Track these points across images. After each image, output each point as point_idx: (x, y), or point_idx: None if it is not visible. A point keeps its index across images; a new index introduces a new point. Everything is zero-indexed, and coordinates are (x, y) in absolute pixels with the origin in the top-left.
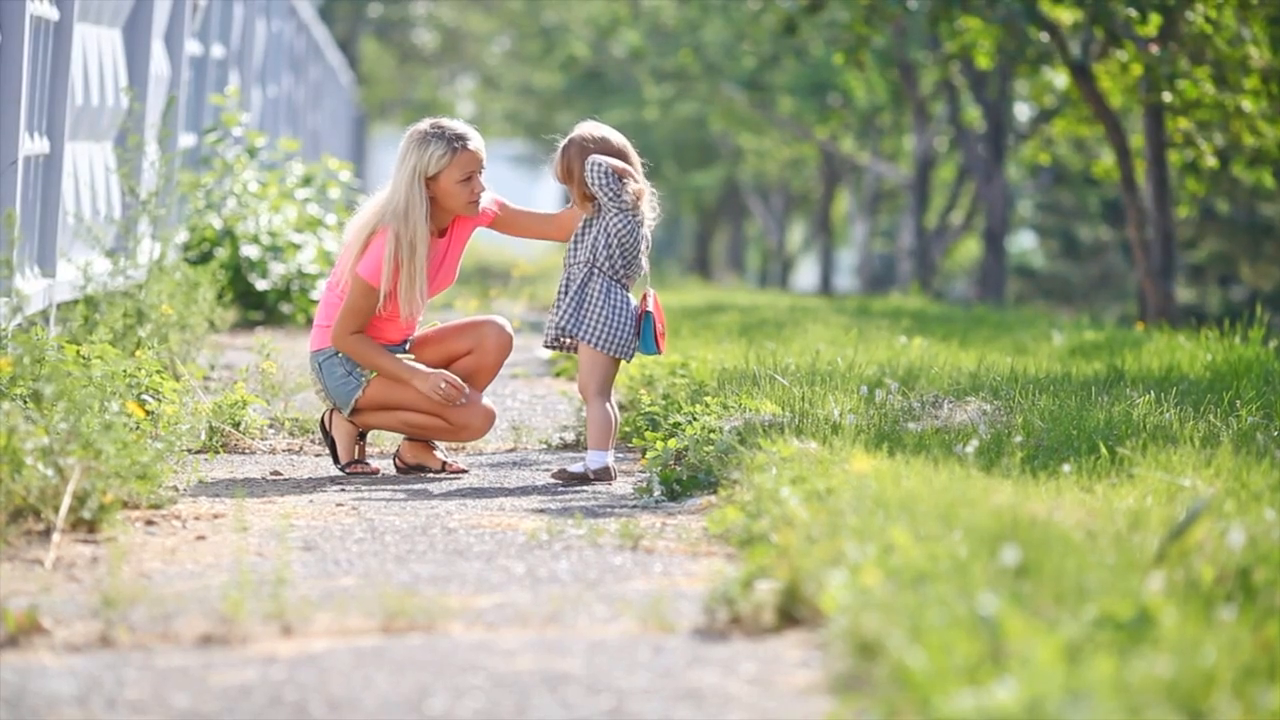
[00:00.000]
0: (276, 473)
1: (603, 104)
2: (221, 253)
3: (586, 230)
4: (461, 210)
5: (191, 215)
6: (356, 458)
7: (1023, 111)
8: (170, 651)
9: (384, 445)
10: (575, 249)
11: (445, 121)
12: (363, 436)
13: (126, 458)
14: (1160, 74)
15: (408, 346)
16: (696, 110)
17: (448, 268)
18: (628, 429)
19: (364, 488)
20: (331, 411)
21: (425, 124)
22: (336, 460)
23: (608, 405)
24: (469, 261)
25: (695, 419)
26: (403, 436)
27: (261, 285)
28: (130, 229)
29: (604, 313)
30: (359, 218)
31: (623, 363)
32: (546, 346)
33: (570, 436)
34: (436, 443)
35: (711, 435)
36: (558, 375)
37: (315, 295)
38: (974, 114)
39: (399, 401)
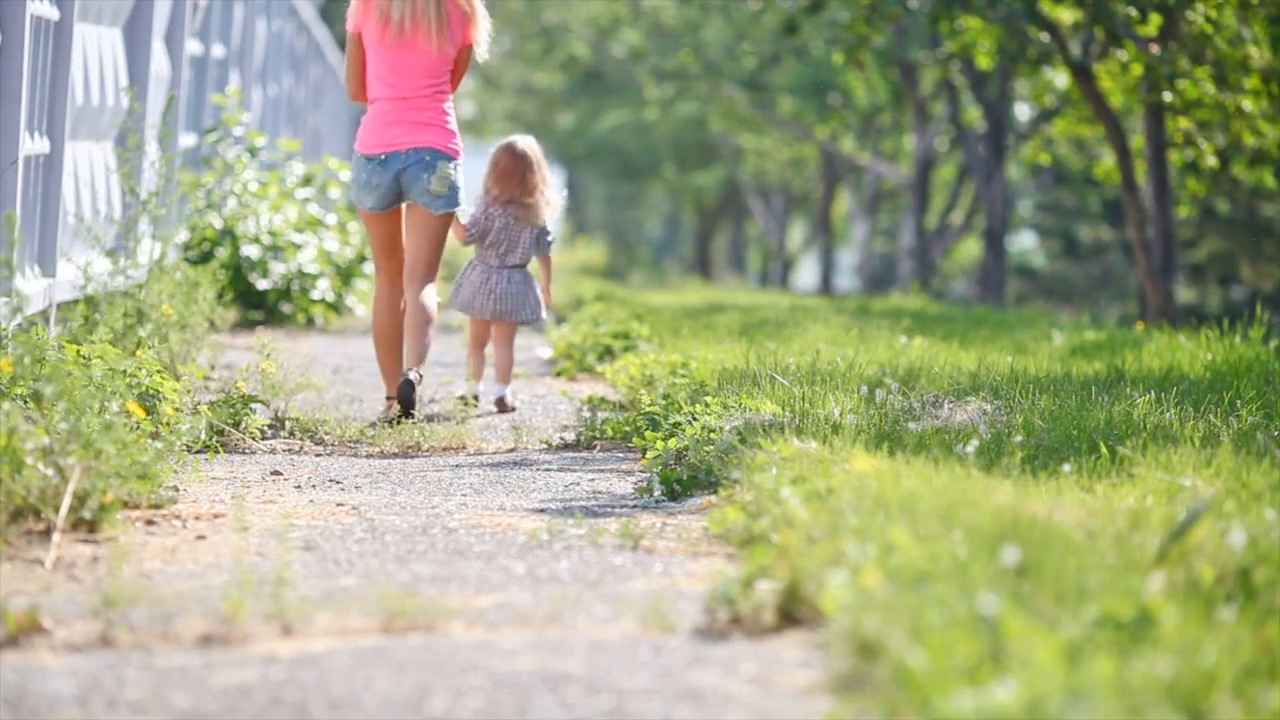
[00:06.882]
0: (276, 473)
1: (603, 104)
2: (222, 252)
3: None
4: None
5: (192, 215)
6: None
7: (1023, 111)
8: (170, 651)
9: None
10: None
11: None
12: None
13: (126, 458)
14: (1160, 74)
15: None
16: (696, 110)
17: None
18: (628, 429)
19: (364, 487)
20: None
21: None
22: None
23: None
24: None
25: (695, 419)
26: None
27: (262, 285)
28: (130, 229)
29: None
30: None
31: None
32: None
33: (570, 436)
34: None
35: (712, 435)
36: (558, 375)
37: (315, 295)
38: (974, 114)
39: None
